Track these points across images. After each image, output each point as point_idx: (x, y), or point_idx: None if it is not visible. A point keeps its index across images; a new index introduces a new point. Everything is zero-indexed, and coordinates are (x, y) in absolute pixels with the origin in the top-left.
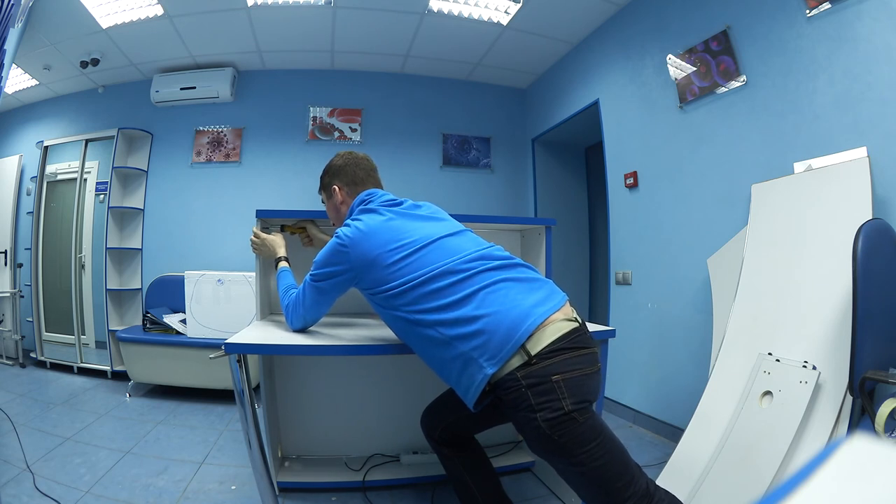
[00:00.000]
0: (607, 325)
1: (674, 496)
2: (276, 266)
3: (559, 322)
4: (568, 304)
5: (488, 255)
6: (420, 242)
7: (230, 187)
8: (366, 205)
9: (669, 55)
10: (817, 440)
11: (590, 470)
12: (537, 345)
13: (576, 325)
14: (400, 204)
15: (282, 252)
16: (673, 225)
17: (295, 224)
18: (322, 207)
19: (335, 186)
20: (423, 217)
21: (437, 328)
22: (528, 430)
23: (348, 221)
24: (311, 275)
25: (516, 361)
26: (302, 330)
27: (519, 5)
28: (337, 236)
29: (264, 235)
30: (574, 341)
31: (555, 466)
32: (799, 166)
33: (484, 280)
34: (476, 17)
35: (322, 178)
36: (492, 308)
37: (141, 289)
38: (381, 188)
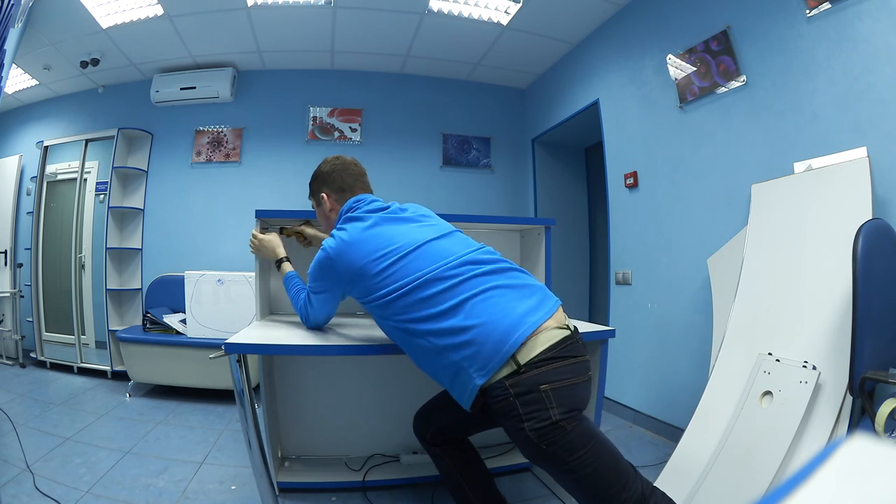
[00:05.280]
0: (607, 325)
1: (670, 499)
2: (279, 267)
3: (551, 330)
4: (560, 309)
5: (477, 260)
6: (406, 248)
7: (230, 187)
8: (352, 212)
9: (669, 55)
10: (817, 440)
11: (581, 477)
12: (527, 354)
13: (567, 332)
14: (386, 209)
15: (282, 252)
16: (673, 225)
17: (292, 227)
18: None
19: (323, 194)
20: (408, 220)
21: (427, 338)
22: (517, 439)
23: (333, 232)
24: (308, 286)
25: (505, 370)
26: (317, 328)
27: (519, 5)
28: (323, 249)
29: (262, 236)
30: (565, 350)
31: (548, 472)
32: (799, 166)
33: (473, 287)
34: (476, 17)
35: (311, 184)
36: (482, 318)
37: (141, 289)
38: (371, 193)
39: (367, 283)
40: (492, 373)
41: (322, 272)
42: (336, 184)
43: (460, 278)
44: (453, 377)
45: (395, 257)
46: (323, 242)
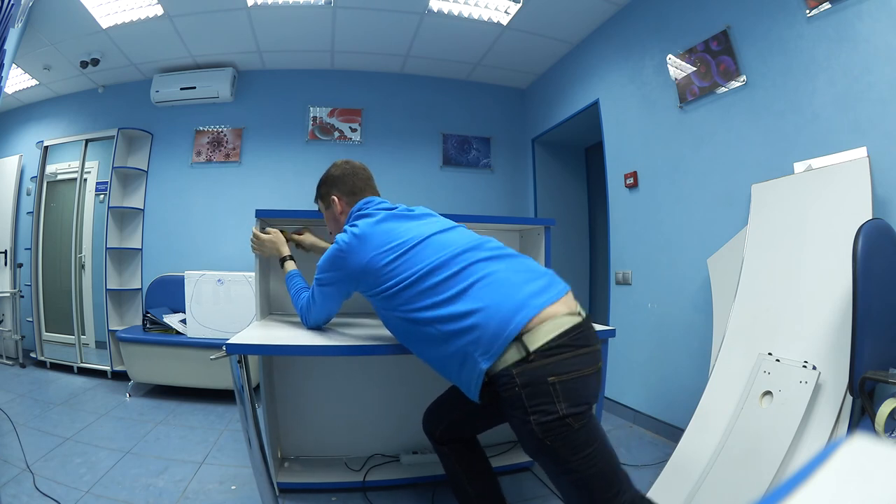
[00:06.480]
0: (607, 325)
1: None
2: (283, 265)
3: (561, 317)
4: (570, 295)
5: (481, 247)
6: (412, 241)
7: (230, 187)
8: (361, 212)
9: (669, 55)
10: (817, 440)
11: (580, 478)
12: (536, 341)
13: (579, 319)
14: (394, 209)
15: (286, 250)
16: (673, 225)
17: (294, 231)
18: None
19: (334, 197)
20: (415, 216)
21: (434, 325)
22: (521, 433)
23: (346, 228)
24: (315, 279)
25: (512, 356)
26: (317, 328)
27: (519, 5)
28: (336, 243)
29: (263, 236)
30: (575, 339)
31: (545, 470)
32: (799, 166)
33: (477, 272)
34: (476, 17)
35: (319, 187)
36: (485, 301)
37: (141, 289)
38: (379, 196)
39: (375, 275)
40: (497, 356)
41: (332, 264)
42: (347, 187)
43: (465, 265)
44: (460, 365)
45: (401, 250)
46: (336, 237)
